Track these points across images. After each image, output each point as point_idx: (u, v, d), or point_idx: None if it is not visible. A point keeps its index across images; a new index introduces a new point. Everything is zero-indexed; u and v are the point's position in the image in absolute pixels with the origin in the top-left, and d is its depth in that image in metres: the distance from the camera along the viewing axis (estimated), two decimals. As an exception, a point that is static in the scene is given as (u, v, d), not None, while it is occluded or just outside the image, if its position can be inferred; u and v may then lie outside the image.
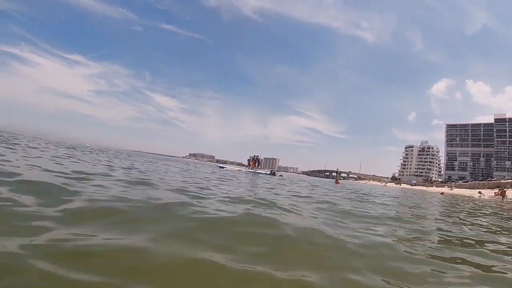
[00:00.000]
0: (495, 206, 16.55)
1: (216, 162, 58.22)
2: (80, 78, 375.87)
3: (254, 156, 35.27)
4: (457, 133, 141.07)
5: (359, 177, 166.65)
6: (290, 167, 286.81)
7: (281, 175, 37.07)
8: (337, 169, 51.60)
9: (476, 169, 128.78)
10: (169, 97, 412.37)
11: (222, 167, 31.55)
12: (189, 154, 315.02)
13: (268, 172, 33.14)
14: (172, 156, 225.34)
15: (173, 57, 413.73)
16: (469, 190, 62.24)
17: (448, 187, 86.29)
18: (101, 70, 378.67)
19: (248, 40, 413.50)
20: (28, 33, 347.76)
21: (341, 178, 54.96)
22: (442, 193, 44.00)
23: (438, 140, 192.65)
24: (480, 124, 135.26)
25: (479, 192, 50.03)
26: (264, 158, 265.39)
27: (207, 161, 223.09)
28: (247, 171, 31.21)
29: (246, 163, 37.30)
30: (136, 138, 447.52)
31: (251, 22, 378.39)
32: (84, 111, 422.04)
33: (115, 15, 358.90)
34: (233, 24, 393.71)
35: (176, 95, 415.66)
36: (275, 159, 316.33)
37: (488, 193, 54.75)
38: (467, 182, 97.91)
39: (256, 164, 35.78)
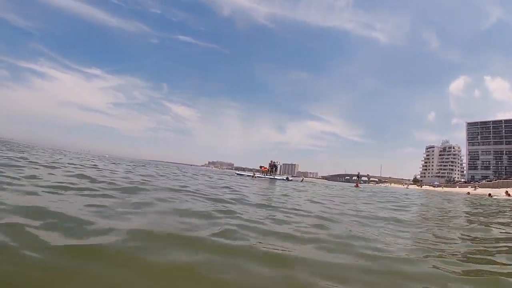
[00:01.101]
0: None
1: (235, 170, 59.60)
2: (99, 91, 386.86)
3: (271, 161, 35.74)
4: (478, 131, 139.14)
5: (380, 180, 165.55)
6: (310, 172, 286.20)
7: (302, 179, 38.38)
8: (358, 173, 50.78)
9: (500, 167, 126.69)
10: (186, 107, 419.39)
11: (241, 174, 32.82)
12: (208, 162, 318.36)
13: (284, 178, 34.10)
14: (191, 165, 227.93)
15: (190, 68, 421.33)
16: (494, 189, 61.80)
17: (472, 187, 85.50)
18: (119, 82, 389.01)
19: (263, 47, 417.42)
20: (47, 49, 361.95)
21: (362, 182, 54.89)
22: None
23: (458, 140, 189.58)
24: (501, 120, 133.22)
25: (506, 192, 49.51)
26: (283, 164, 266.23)
27: (226, 168, 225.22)
28: (262, 177, 31.88)
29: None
30: (154, 148, 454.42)
31: (265, 30, 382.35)
32: (103, 123, 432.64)
33: (131, 29, 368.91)
34: (247, 33, 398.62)
35: (193, 104, 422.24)
36: (294, 164, 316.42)
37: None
38: (490, 181, 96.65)
39: (273, 169, 36.02)
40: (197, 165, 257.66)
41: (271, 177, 32.15)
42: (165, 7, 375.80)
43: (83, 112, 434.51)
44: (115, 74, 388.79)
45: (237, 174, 33.83)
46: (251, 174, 32.98)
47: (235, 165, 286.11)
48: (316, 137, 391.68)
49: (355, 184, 38.78)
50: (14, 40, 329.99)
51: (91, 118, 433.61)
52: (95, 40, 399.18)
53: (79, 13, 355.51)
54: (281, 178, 34.42)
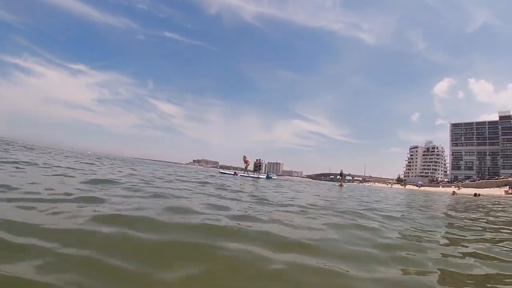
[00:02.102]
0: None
1: (219, 168, 58.24)
2: (84, 87, 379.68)
3: (257, 160, 33.99)
4: (462, 132, 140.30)
5: (364, 180, 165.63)
6: (295, 171, 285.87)
7: (275, 177, 36.78)
8: (341, 170, 40.93)
9: (483, 167, 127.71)
10: (172, 104, 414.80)
11: (224, 173, 30.90)
12: (193, 160, 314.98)
13: (265, 177, 32.54)
14: (176, 163, 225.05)
15: (176, 65, 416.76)
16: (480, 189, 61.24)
17: (455, 187, 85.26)
18: (104, 78, 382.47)
19: (250, 45, 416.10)
20: (32, 44, 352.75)
21: (346, 181, 52.67)
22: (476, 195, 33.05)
23: (442, 140, 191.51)
24: (485, 122, 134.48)
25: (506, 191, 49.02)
26: (268, 162, 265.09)
27: (211, 167, 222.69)
28: (246, 175, 30.24)
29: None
30: (139, 145, 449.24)
31: (252, 28, 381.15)
32: (88, 119, 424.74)
33: (117, 24, 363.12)
34: (235, 31, 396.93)
35: (179, 102, 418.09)
36: (279, 163, 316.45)
37: (496, 192, 53.91)
38: (474, 181, 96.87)
39: (258, 168, 34.41)
40: (181, 163, 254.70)
41: (255, 176, 30.57)
42: (152, 3, 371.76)
43: (67, 108, 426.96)
44: (100, 70, 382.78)
45: (221, 172, 32.05)
46: (233, 172, 31.06)
47: (220, 163, 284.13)
48: (302, 136, 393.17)
49: (339, 183, 36.77)
50: None
51: (76, 114, 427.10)
52: (81, 35, 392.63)
53: (65, 7, 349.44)
54: (263, 176, 32.76)
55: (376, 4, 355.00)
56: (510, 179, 73.74)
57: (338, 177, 40.84)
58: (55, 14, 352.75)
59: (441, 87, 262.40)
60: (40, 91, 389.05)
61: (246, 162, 31.65)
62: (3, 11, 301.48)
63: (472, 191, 50.26)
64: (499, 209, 11.64)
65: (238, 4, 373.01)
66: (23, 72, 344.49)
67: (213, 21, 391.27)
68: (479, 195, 32.12)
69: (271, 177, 33.86)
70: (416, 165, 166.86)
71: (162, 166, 34.52)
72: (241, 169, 34.17)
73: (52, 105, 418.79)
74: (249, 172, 31.85)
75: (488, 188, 66.52)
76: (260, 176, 30.98)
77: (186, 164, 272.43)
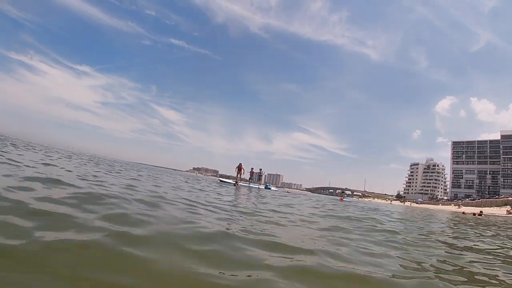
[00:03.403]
0: None
1: (219, 177, 58.01)
2: (87, 89, 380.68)
3: (252, 168, 33.43)
4: (463, 150, 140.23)
5: (364, 195, 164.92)
6: (294, 184, 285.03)
7: (274, 189, 36.73)
8: (344, 190, 49.96)
9: (483, 186, 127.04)
10: (174, 111, 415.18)
11: (223, 181, 30.57)
12: (193, 168, 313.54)
13: (268, 188, 32.35)
14: (175, 170, 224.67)
15: (180, 72, 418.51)
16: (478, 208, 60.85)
17: (455, 205, 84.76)
18: (108, 81, 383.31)
19: (255, 56, 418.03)
20: (38, 42, 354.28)
21: (346, 195, 53.76)
22: (477, 213, 30.92)
23: (443, 158, 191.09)
24: (486, 141, 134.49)
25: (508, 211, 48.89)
26: (268, 174, 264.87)
27: (211, 175, 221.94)
28: (246, 185, 29.95)
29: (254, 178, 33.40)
30: (140, 150, 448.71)
31: (258, 39, 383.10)
32: (89, 121, 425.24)
33: (124, 28, 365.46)
34: (240, 41, 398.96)
35: (181, 109, 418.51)
36: (279, 175, 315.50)
37: (496, 211, 53.64)
38: (474, 200, 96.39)
39: (258, 178, 33.99)
40: (181, 170, 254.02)
41: (255, 185, 30.42)
42: (160, 9, 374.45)
43: (70, 109, 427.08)
44: (104, 73, 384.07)
45: (220, 181, 31.40)
46: (233, 182, 30.22)
47: (220, 172, 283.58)
48: (302, 149, 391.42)
49: (339, 198, 37.69)
50: (5, 30, 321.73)
51: (78, 115, 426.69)
52: (87, 37, 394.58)
53: (72, 8, 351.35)
54: (263, 187, 32.60)
55: (381, 21, 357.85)
56: (510, 198, 73.29)
57: (337, 191, 42.59)
58: (63, 14, 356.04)
59: (443, 105, 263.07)
60: (43, 89, 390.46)
61: (240, 169, 31.00)
62: (10, 7, 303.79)
63: (472, 210, 50.02)
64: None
65: (245, 15, 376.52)
66: (27, 69, 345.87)
67: (220, 31, 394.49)
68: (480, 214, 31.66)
69: (269, 188, 33.73)
70: (416, 182, 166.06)
71: (157, 172, 33.97)
72: (234, 178, 32.89)
73: (55, 105, 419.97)
74: (250, 182, 31.59)
75: (488, 207, 66.10)
76: (260, 187, 30.79)
77: (186, 171, 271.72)
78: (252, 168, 32.04)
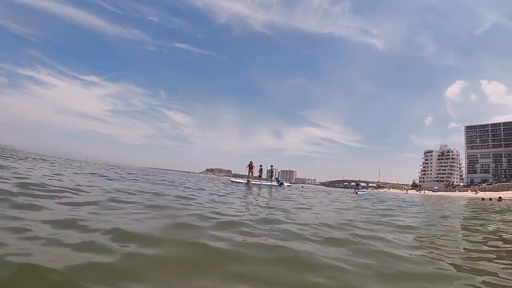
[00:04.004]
0: None
1: (232, 176, 58.76)
2: (97, 99, 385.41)
3: (260, 166, 33.40)
4: (476, 135, 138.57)
5: (379, 186, 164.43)
6: (308, 179, 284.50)
7: (289, 185, 37.19)
8: (358, 182, 49.41)
9: (499, 170, 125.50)
10: (184, 114, 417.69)
11: (234, 181, 30.82)
12: (206, 169, 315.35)
13: (280, 183, 32.47)
14: (189, 172, 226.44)
15: (187, 75, 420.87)
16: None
17: (472, 191, 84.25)
18: (117, 90, 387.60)
19: (261, 53, 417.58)
20: (45, 56, 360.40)
21: (361, 187, 54.14)
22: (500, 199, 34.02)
23: (456, 144, 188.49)
24: (499, 123, 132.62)
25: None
26: (281, 170, 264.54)
27: (224, 175, 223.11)
28: (259, 183, 30.11)
29: (264, 175, 33.42)
30: (152, 155, 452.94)
31: (262, 36, 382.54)
32: (101, 130, 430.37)
33: (129, 36, 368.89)
34: (245, 40, 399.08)
35: (191, 111, 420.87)
36: (293, 171, 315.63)
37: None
38: (491, 184, 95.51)
39: (270, 175, 34.16)
40: (195, 173, 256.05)
41: (267, 182, 30.63)
42: (163, 14, 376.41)
43: (81, 119, 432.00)
44: (112, 81, 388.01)
45: (231, 181, 31.57)
46: (245, 181, 30.39)
47: (233, 172, 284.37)
48: (315, 143, 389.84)
49: (354, 190, 38.09)
50: (12, 47, 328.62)
51: (89, 125, 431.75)
52: (93, 47, 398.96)
53: (76, 20, 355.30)
54: (276, 184, 32.62)
55: (384, 9, 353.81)
56: (527, 181, 72.61)
57: (351, 184, 42.63)
58: (67, 27, 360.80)
59: (453, 90, 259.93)
60: (52, 102, 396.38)
61: (252, 168, 30.70)
62: (16, 25, 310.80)
63: (490, 195, 49.62)
64: None
65: (247, 13, 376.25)
66: (36, 83, 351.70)
67: (223, 31, 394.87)
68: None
69: (282, 183, 34.13)
70: (431, 170, 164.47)
71: (164, 174, 34.45)
72: (254, 177, 32.85)
73: (65, 116, 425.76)
74: (261, 180, 31.70)
75: (506, 191, 65.68)
76: (272, 184, 30.80)
77: (199, 173, 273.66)
78: (261, 165, 31.79)
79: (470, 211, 12.88)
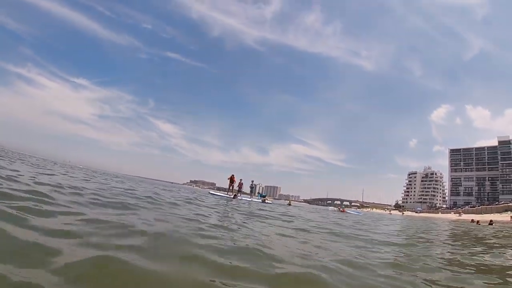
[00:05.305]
0: None
1: (216, 189, 57.03)
2: (84, 102, 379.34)
3: (252, 181, 32.34)
4: (461, 158, 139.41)
5: (362, 205, 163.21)
6: (292, 195, 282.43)
7: (289, 203, 35.43)
8: (342, 202, 48.70)
9: (482, 193, 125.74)
10: (171, 124, 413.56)
11: (213, 194, 28.38)
12: (190, 181, 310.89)
13: (261, 200, 30.74)
14: (172, 183, 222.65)
15: (177, 85, 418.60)
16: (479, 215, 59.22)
17: (455, 213, 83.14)
18: (105, 94, 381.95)
19: (251, 69, 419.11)
20: (36, 54, 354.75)
21: (343, 206, 52.75)
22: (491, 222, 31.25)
23: (440, 166, 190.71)
24: (484, 147, 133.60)
25: None
26: (265, 186, 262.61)
27: (208, 188, 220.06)
28: (247, 198, 28.42)
29: (247, 190, 32.95)
30: (137, 163, 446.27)
31: (254, 52, 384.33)
32: (87, 134, 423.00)
33: (121, 42, 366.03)
34: (236, 54, 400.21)
35: (179, 122, 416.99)
36: (277, 187, 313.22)
37: (499, 218, 52.07)
38: (473, 207, 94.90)
39: (252, 190, 32.82)
40: (178, 183, 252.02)
41: (248, 198, 29.47)
42: (157, 23, 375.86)
43: (67, 122, 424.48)
44: (102, 86, 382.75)
45: (210, 193, 28.95)
46: (230, 195, 27.64)
47: (217, 185, 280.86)
48: (300, 160, 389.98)
49: (339, 209, 36.01)
50: (3, 42, 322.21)
51: (75, 128, 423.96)
52: (85, 50, 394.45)
53: (71, 22, 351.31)
54: (257, 200, 30.72)
55: (374, 31, 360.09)
56: (510, 204, 71.85)
57: (336, 202, 41.55)
58: (61, 28, 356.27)
59: (439, 113, 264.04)
60: (40, 102, 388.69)
61: (233, 181, 29.46)
62: (10, 20, 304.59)
63: (472, 217, 48.61)
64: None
65: (241, 29, 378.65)
66: (26, 82, 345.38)
67: (216, 44, 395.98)
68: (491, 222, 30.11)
69: (265, 197, 32.18)
70: (414, 191, 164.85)
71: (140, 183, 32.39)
72: (239, 191, 29.96)
73: (52, 117, 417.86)
74: (241, 194, 29.76)
75: (489, 214, 64.55)
76: (253, 199, 29.16)
77: (183, 184, 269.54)
78: (241, 179, 30.23)
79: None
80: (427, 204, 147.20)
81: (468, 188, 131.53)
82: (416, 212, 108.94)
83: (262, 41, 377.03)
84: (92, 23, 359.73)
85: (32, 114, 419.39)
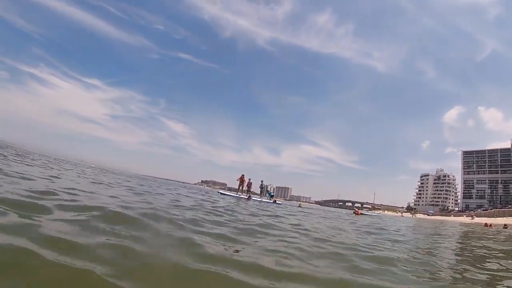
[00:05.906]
0: None
1: (227, 190, 58.15)
2: (97, 102, 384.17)
3: (261, 181, 32.92)
4: (474, 160, 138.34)
5: (373, 207, 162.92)
6: (303, 197, 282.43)
7: (299, 205, 36.00)
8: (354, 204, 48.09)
9: (495, 196, 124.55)
10: (183, 124, 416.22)
11: (224, 194, 29.26)
12: (201, 181, 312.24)
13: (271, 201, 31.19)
14: (184, 183, 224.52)
15: (188, 85, 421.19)
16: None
17: (467, 216, 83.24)
18: (117, 95, 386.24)
19: (262, 70, 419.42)
20: (48, 55, 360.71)
21: (361, 208, 52.97)
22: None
23: (452, 169, 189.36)
24: (497, 150, 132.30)
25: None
26: (276, 187, 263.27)
27: (219, 188, 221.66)
28: (258, 199, 28.94)
29: (257, 190, 32.54)
30: (148, 163, 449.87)
31: (266, 53, 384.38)
32: (99, 134, 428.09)
33: (133, 42, 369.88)
34: (248, 55, 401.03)
35: (189, 122, 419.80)
36: (288, 188, 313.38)
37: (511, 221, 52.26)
38: (486, 210, 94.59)
39: (262, 190, 33.32)
40: (190, 183, 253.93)
41: (258, 198, 29.28)
42: (169, 23, 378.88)
43: (79, 121, 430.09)
44: (114, 86, 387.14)
45: (220, 193, 29.73)
46: (240, 195, 27.74)
47: (228, 185, 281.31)
48: (311, 162, 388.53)
49: (355, 212, 35.64)
50: (16, 43, 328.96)
51: (87, 128, 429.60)
52: (97, 50, 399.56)
53: (83, 22, 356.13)
54: (266, 200, 30.99)
55: (387, 33, 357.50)
56: (524, 208, 71.81)
57: (347, 203, 41.56)
58: (73, 28, 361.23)
59: (451, 115, 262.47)
60: (53, 102, 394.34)
61: (243, 181, 29.81)
62: (22, 21, 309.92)
63: (485, 221, 48.64)
64: None
65: (253, 29, 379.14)
66: (38, 82, 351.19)
67: (227, 45, 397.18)
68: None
69: (273, 196, 32.96)
70: (426, 194, 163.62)
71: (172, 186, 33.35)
72: (252, 193, 30.63)
73: (64, 117, 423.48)
74: (249, 194, 30.12)
75: (501, 217, 64.74)
76: (263, 199, 29.24)
77: (194, 184, 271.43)
78: (250, 179, 30.73)
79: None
80: (439, 206, 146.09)
81: (481, 190, 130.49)
82: (428, 215, 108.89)
83: (274, 41, 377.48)
84: (104, 24, 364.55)
85: (44, 113, 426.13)
